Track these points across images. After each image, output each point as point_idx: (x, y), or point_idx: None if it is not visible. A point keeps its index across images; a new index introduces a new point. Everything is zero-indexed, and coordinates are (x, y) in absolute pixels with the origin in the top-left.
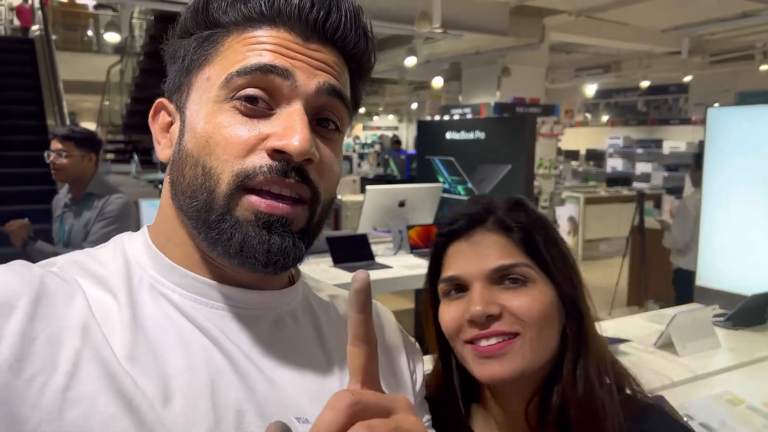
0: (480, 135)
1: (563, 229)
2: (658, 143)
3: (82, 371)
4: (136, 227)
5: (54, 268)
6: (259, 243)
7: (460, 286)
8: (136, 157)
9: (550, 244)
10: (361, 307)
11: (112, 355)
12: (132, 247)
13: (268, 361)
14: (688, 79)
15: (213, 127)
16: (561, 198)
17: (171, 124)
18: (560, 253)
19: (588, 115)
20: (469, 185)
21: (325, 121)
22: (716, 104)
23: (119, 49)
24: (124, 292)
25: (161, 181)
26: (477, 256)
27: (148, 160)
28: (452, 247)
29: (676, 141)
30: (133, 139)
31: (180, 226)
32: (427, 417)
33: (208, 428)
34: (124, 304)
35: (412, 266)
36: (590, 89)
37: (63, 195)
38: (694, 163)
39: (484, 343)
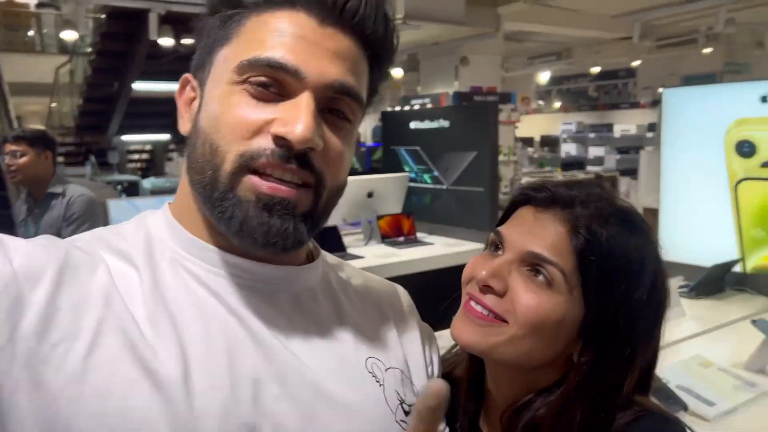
0: (444, 123)
1: None
2: (609, 127)
3: (104, 338)
4: (105, 224)
5: (80, 243)
6: (259, 224)
7: (501, 246)
8: (93, 158)
9: (616, 278)
10: (430, 422)
11: (134, 324)
12: (154, 222)
13: (287, 334)
14: (636, 63)
15: (224, 106)
16: (520, 183)
17: (194, 99)
18: (627, 302)
19: (541, 102)
20: (436, 173)
21: (336, 110)
22: (661, 87)
23: (65, 49)
24: (146, 264)
25: (120, 183)
26: (529, 232)
27: (105, 162)
28: (523, 209)
29: (626, 124)
30: (87, 141)
31: (194, 202)
32: (443, 426)
33: (225, 394)
34: (146, 275)
35: (384, 255)
36: (543, 76)
37: (23, 200)
38: None
39: (473, 303)
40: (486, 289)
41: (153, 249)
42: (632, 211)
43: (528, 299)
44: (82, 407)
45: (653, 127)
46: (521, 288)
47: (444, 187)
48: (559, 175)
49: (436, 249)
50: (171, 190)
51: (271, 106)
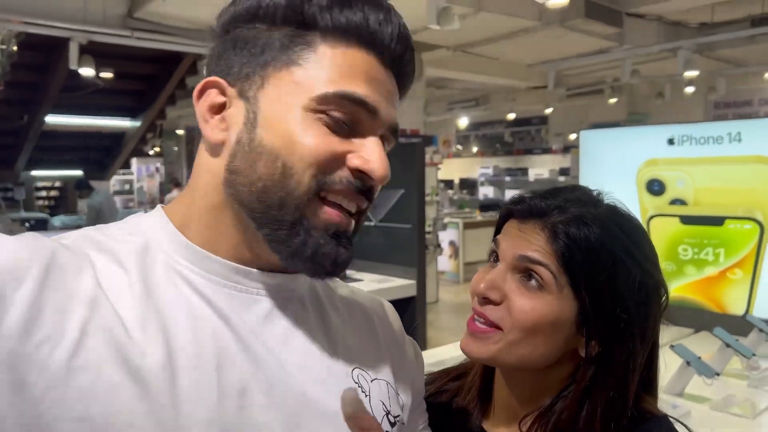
0: None
1: (445, 252)
2: (524, 171)
3: (89, 340)
4: None
5: (66, 241)
6: (328, 253)
7: (498, 257)
8: None
9: (600, 273)
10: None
11: (121, 327)
12: (148, 225)
13: (276, 342)
14: (548, 111)
15: (301, 130)
16: (443, 223)
17: (223, 105)
18: (615, 296)
19: (459, 147)
20: None
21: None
22: (573, 134)
23: None
24: (137, 266)
25: (27, 220)
26: (516, 241)
27: (11, 198)
28: (509, 222)
29: (539, 168)
30: None
31: (215, 211)
32: (422, 420)
33: (212, 402)
34: (136, 277)
35: None
36: (462, 122)
37: None
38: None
39: (475, 317)
40: (485, 301)
41: (146, 251)
42: (615, 210)
43: (521, 303)
44: (65, 410)
45: (565, 171)
46: (515, 294)
47: (373, 223)
48: (478, 216)
49: (365, 285)
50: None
51: (345, 140)
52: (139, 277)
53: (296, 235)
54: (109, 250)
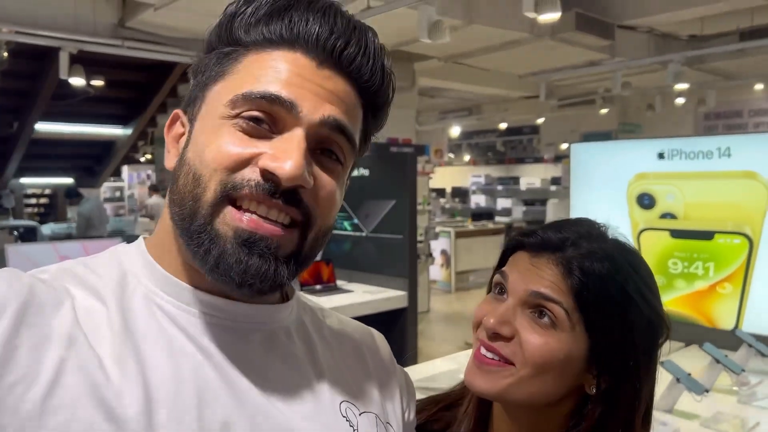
0: (364, 172)
1: (437, 262)
2: (516, 180)
3: (65, 380)
4: None
5: (45, 275)
6: (236, 262)
7: (504, 289)
8: None
9: (614, 310)
10: None
11: (98, 365)
12: (127, 257)
13: (260, 375)
14: (540, 121)
15: (212, 138)
16: (435, 232)
17: (183, 134)
18: (626, 332)
19: (451, 155)
20: (356, 221)
21: (328, 151)
22: (564, 144)
23: None
24: (116, 300)
25: (16, 228)
26: (527, 275)
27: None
28: (518, 254)
29: (531, 177)
30: None
31: (175, 238)
32: None
33: None
34: (115, 312)
35: None
36: (454, 131)
37: None
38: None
39: (483, 351)
40: (495, 336)
41: (125, 285)
42: (622, 246)
43: (534, 341)
44: None
45: (556, 180)
46: (527, 331)
47: (364, 234)
48: (470, 225)
49: (356, 296)
50: (71, 237)
51: (261, 141)
52: (118, 312)
53: (202, 243)
54: (89, 283)
